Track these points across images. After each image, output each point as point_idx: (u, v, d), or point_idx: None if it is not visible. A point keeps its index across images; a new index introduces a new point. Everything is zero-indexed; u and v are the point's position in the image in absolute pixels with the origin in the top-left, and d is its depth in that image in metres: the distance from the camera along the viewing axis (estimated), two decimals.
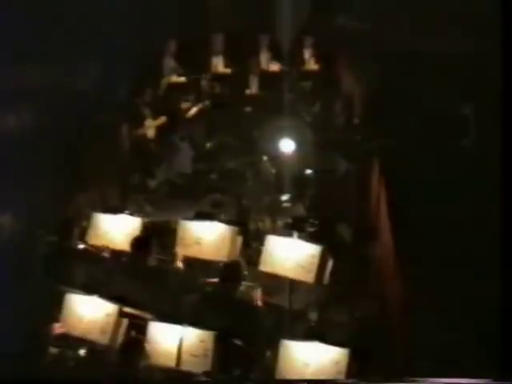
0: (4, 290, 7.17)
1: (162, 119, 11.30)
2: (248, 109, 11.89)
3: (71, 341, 6.63)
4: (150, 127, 11.25)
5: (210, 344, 6.14)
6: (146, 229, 7.94)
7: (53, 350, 6.71)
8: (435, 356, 6.96)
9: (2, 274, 7.24)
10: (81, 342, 6.61)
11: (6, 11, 7.08)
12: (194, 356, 6.16)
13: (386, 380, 5.27)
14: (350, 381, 5.85)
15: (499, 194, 6.50)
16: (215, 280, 7.32)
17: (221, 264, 7.47)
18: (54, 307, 6.79)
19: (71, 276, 7.31)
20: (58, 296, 6.82)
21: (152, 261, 7.48)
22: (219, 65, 13.11)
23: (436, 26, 11.64)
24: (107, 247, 7.95)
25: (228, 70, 13.00)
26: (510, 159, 6.44)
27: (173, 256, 7.93)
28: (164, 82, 12.53)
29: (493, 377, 4.96)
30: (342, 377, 5.82)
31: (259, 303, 7.30)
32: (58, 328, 6.69)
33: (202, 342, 6.17)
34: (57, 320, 6.73)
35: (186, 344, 6.19)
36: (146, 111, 11.34)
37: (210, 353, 6.12)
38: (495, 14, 7.17)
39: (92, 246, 7.97)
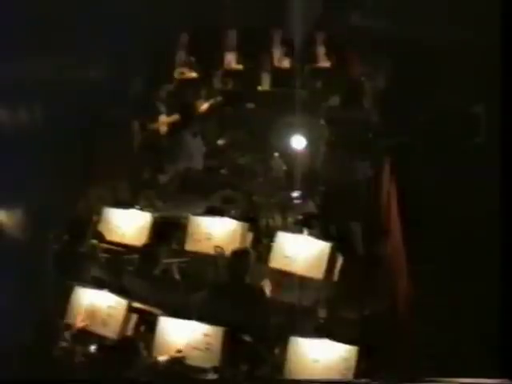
0: (14, 288, 7.20)
1: (176, 116, 11.29)
2: (260, 105, 11.88)
3: (80, 336, 6.65)
4: (164, 123, 11.24)
5: (217, 339, 6.15)
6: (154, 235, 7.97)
7: (63, 345, 6.72)
8: (435, 355, 6.95)
9: (13, 271, 7.26)
10: (90, 336, 6.63)
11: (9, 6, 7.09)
12: (202, 351, 6.17)
13: (400, 381, 5.26)
14: (363, 381, 5.85)
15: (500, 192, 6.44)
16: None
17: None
18: (64, 302, 6.81)
19: (81, 271, 7.32)
20: (69, 291, 6.83)
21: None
22: (232, 61, 13.12)
23: (449, 24, 11.61)
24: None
25: (240, 66, 13.02)
26: None
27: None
28: (176, 77, 12.55)
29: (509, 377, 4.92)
30: (351, 373, 5.82)
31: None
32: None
33: (208, 336, 6.18)
34: (69, 315, 6.73)
35: (194, 339, 6.20)
36: (161, 107, 11.35)
37: (217, 348, 6.13)
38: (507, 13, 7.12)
39: (104, 241, 7.98)
